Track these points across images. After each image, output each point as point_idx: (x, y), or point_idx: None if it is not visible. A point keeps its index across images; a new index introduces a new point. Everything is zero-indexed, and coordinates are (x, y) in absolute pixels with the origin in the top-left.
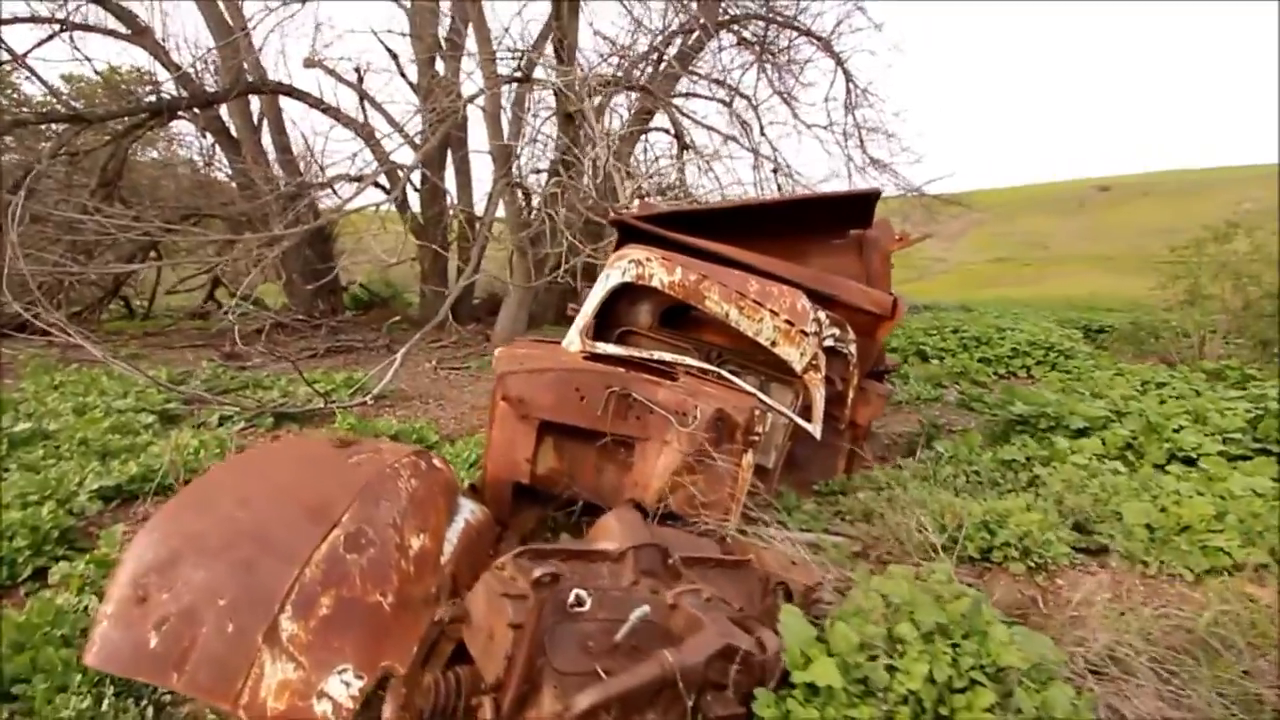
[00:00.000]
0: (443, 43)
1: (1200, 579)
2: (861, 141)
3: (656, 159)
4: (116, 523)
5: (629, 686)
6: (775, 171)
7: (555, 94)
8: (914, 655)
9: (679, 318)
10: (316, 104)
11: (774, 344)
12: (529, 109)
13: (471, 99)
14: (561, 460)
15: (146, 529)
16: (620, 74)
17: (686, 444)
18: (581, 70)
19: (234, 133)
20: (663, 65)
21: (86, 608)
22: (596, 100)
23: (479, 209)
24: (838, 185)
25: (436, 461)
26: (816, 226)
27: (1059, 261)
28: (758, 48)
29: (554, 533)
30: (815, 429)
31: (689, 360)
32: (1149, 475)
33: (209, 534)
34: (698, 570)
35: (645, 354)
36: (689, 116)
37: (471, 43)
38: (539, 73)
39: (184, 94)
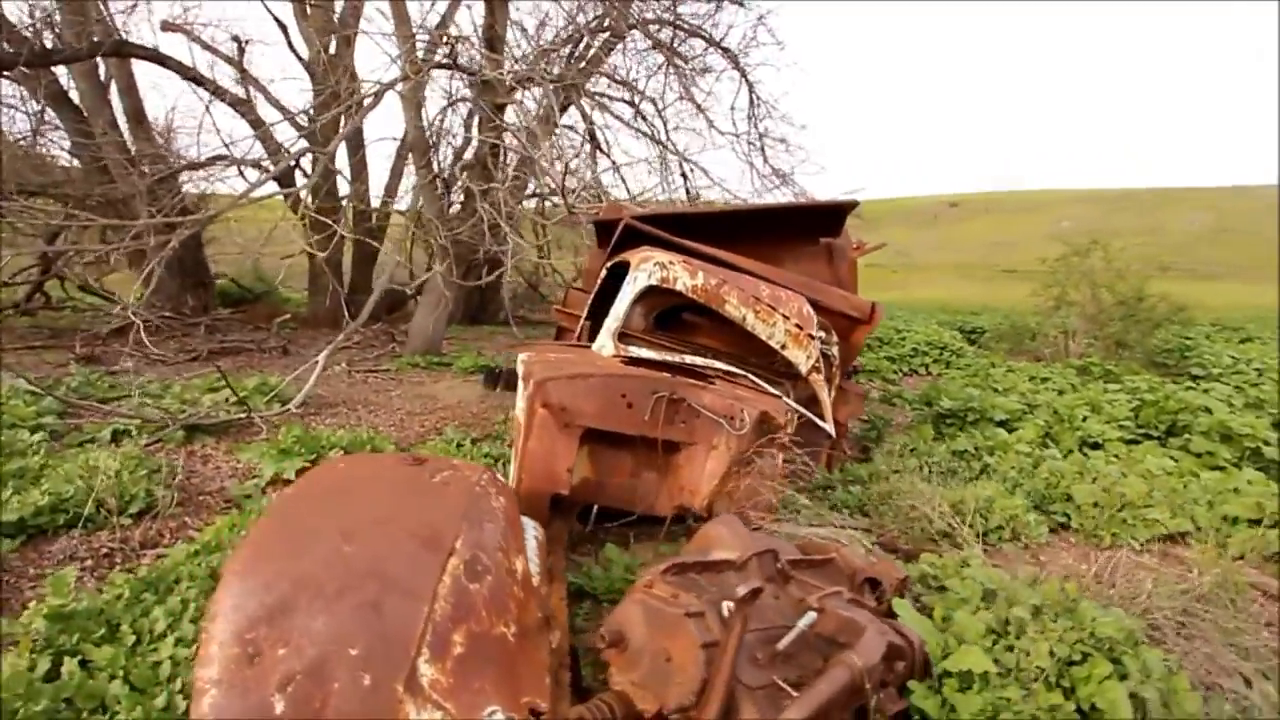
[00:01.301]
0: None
1: (1145, 547)
2: (763, 151)
3: (573, 157)
4: (29, 564)
5: (830, 694)
6: (685, 179)
7: (482, 85)
8: (1032, 635)
9: (671, 320)
10: (188, 75)
11: (784, 346)
12: (452, 98)
13: (391, 85)
14: (595, 469)
15: (236, 574)
16: (544, 68)
17: (736, 447)
18: (513, 61)
19: (77, 100)
20: (576, 64)
21: (60, 671)
22: (518, 94)
23: (374, 201)
24: (743, 192)
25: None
26: (791, 233)
27: (920, 269)
28: (667, 51)
29: (572, 545)
30: (830, 427)
31: (717, 364)
32: (1081, 460)
33: (320, 574)
34: (797, 571)
35: (677, 358)
36: (617, 117)
37: (371, 25)
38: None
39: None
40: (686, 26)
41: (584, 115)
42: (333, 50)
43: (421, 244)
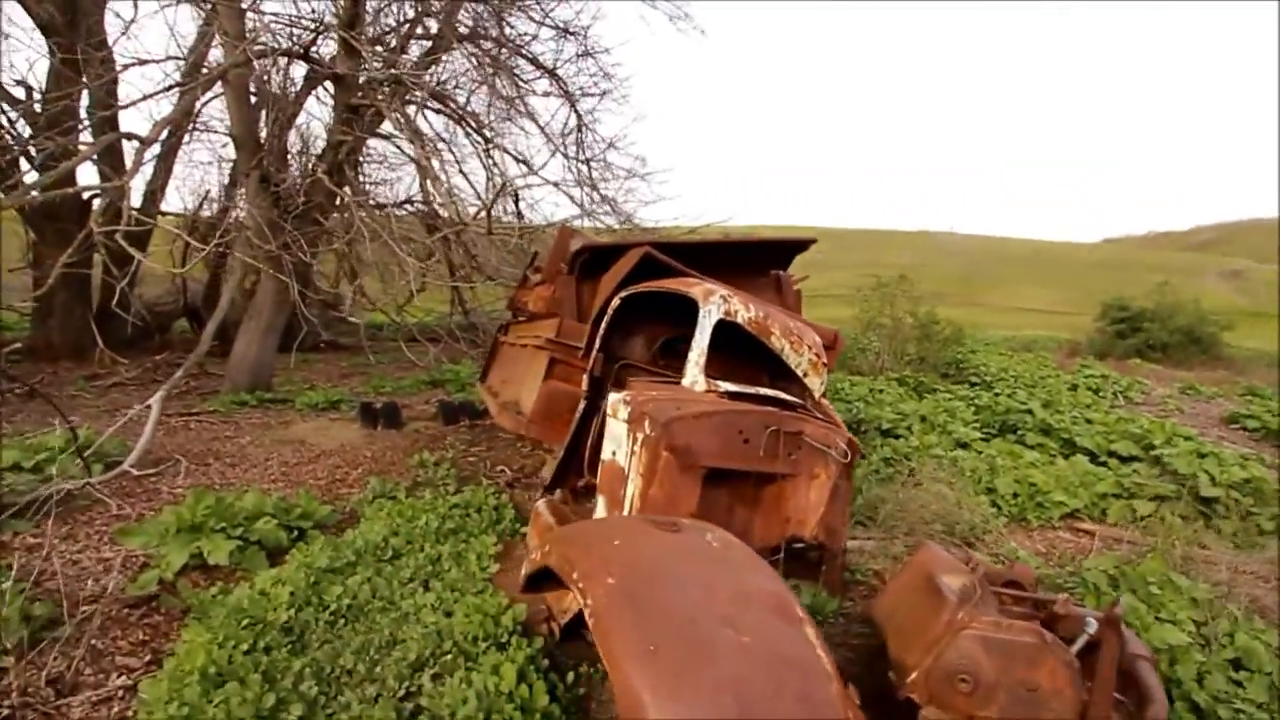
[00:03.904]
0: None
1: (1058, 525)
2: (591, 176)
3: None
4: None
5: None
6: (516, 200)
7: (336, 82)
8: (1174, 608)
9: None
10: None
11: (805, 374)
12: (288, 90)
13: (223, 72)
14: (698, 508)
15: (661, 695)
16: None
17: (835, 475)
18: (377, 59)
19: None
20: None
21: None
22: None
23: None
24: (563, 213)
25: None
26: (748, 265)
27: None
28: (490, 68)
29: None
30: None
31: (779, 394)
32: (989, 457)
33: (747, 674)
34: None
35: (753, 390)
36: (463, 118)
37: None
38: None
39: None
40: (509, 45)
41: (406, 123)
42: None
43: (240, 257)
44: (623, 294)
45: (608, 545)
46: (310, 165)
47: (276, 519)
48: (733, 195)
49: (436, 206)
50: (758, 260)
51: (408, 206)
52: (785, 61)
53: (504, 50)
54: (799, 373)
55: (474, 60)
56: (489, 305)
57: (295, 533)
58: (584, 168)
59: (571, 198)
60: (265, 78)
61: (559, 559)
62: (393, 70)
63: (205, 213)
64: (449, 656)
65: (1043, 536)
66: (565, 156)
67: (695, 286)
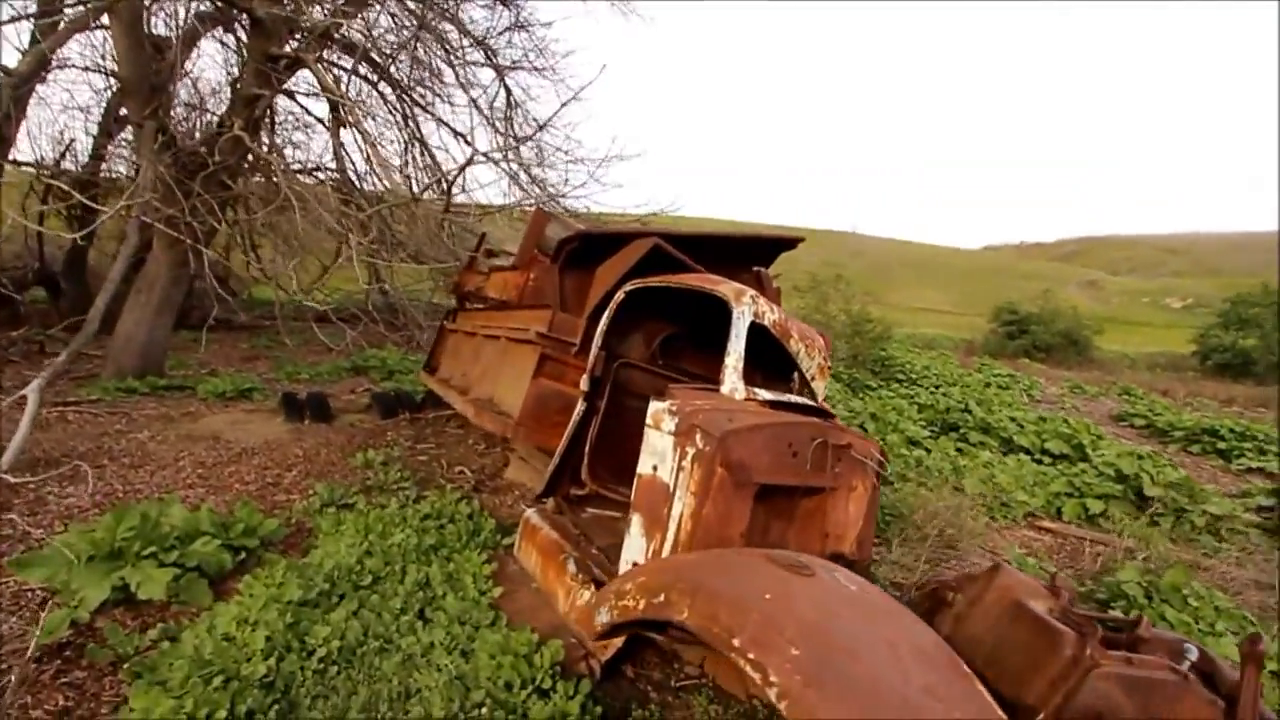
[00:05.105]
0: None
1: (1021, 523)
2: (520, 159)
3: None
4: None
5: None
6: (445, 182)
7: (253, 26)
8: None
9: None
10: None
11: (814, 378)
12: (178, 30)
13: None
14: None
15: None
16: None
17: (870, 487)
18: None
19: None
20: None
21: None
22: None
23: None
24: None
25: None
26: (731, 259)
27: None
28: (415, 29)
29: None
30: None
31: (808, 402)
32: (951, 457)
33: None
34: None
35: (788, 399)
36: (396, 83)
37: None
38: None
39: None
40: (437, 5)
41: (322, 84)
42: None
43: (146, 221)
44: (627, 287)
45: (759, 600)
46: (223, 119)
47: (216, 538)
48: (661, 190)
49: (352, 175)
50: (742, 255)
51: (318, 174)
52: (717, 56)
53: (430, 13)
54: (808, 376)
55: (396, 21)
56: (408, 286)
57: (240, 553)
58: (519, 148)
59: (518, 181)
60: (159, 11)
61: (702, 619)
62: (328, 14)
63: (68, 166)
64: (483, 710)
65: (1013, 535)
66: (499, 133)
67: (722, 285)
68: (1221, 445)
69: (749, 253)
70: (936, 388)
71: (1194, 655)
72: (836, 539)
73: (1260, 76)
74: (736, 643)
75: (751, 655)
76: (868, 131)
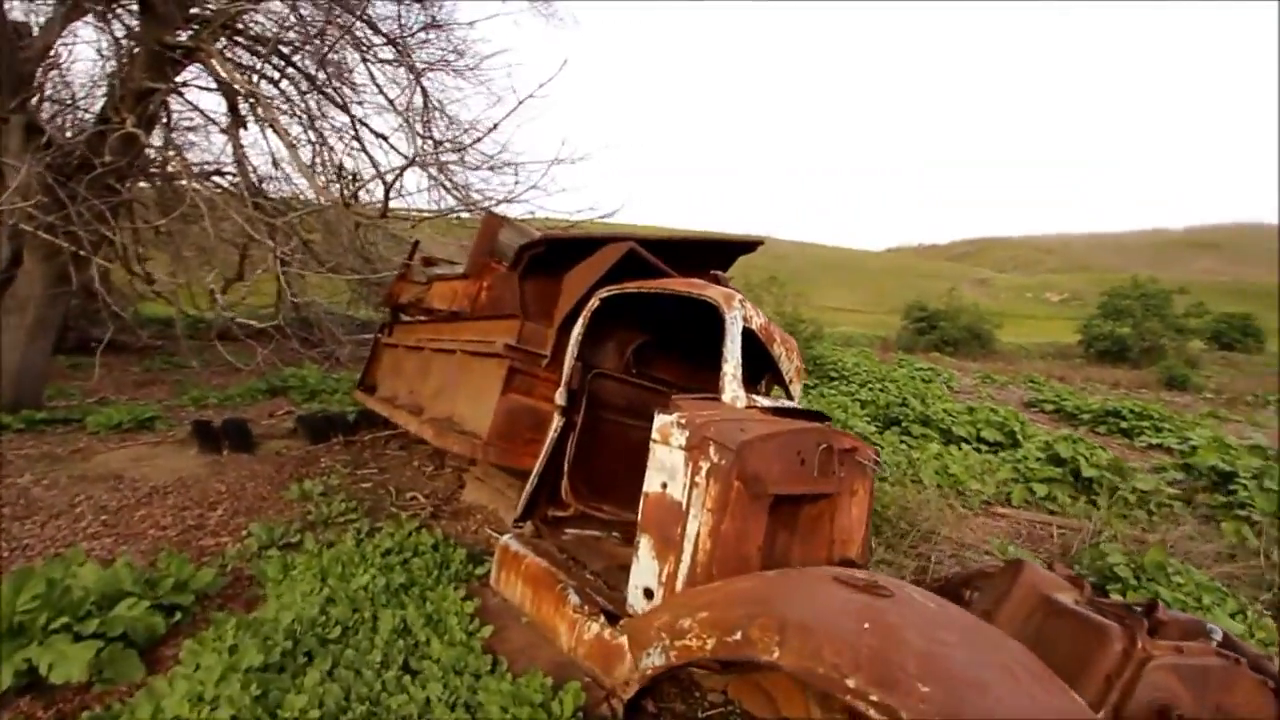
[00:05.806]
0: None
1: (978, 511)
2: (439, 161)
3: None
4: None
5: None
6: (346, 178)
7: (145, 12)
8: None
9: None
10: None
11: (791, 380)
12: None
13: None
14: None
15: None
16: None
17: (869, 490)
18: None
19: None
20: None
21: None
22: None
23: None
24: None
25: None
26: (691, 263)
27: None
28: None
29: None
30: None
31: (796, 405)
32: (903, 451)
33: None
34: None
35: (783, 404)
36: (311, 78)
37: None
38: None
39: None
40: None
41: (227, 79)
42: None
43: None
44: (602, 294)
45: (859, 631)
46: (107, 115)
47: (142, 598)
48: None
49: (254, 179)
50: (700, 259)
51: (217, 179)
52: (645, 60)
53: (337, 7)
54: (788, 379)
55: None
56: (324, 299)
57: (174, 614)
58: (463, 153)
59: (446, 187)
60: None
61: (801, 659)
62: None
63: None
64: None
65: (973, 524)
66: (420, 136)
67: (710, 289)
68: (1124, 425)
69: (708, 257)
70: (870, 384)
71: (1219, 636)
72: (843, 544)
73: (1137, 75)
74: (852, 684)
75: (875, 698)
76: (785, 136)
